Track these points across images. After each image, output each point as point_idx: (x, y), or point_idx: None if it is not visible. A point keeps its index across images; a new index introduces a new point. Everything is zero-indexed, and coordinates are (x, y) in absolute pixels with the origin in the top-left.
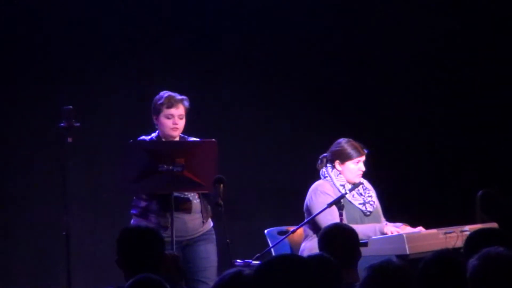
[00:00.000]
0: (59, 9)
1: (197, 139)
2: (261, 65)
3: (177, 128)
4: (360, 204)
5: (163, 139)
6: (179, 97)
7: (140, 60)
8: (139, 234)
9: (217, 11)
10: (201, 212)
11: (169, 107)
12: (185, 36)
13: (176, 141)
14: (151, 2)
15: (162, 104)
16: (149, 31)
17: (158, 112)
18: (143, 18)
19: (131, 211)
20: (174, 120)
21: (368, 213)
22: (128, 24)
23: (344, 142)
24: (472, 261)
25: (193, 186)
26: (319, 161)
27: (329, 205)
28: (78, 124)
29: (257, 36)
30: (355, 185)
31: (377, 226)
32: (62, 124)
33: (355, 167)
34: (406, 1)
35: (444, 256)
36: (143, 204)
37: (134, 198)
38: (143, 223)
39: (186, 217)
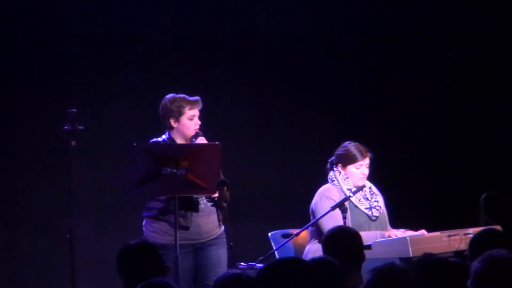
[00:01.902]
0: (63, 11)
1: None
2: (264, 68)
3: (198, 128)
4: (366, 208)
5: (181, 141)
6: (196, 97)
7: (144, 63)
8: (137, 253)
9: (219, 13)
10: (217, 214)
11: (192, 108)
12: (189, 38)
13: (180, 144)
14: (155, 6)
15: (183, 106)
16: (153, 34)
17: (179, 114)
18: (146, 22)
19: (144, 214)
20: (195, 120)
21: (374, 218)
22: (131, 28)
23: (348, 145)
24: (475, 264)
25: (196, 189)
26: (328, 164)
27: (333, 208)
28: (82, 127)
29: (261, 38)
30: (358, 188)
31: (378, 233)
32: (66, 127)
33: (357, 171)
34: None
35: (429, 260)
36: (160, 205)
37: (147, 200)
38: (156, 225)
39: (201, 220)
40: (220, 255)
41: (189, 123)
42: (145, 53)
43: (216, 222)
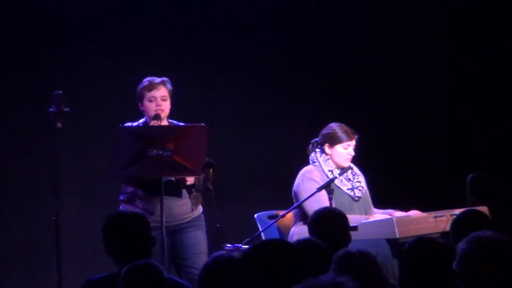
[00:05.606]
0: None
1: (184, 124)
2: (252, 50)
3: (161, 110)
4: (348, 189)
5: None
6: (159, 79)
7: (131, 45)
8: (122, 221)
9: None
10: (190, 198)
11: (150, 90)
12: (177, 21)
13: (166, 126)
14: None
15: (143, 88)
16: (141, 16)
17: (141, 97)
18: (134, 4)
19: (120, 198)
20: (157, 102)
21: (356, 198)
22: (119, 9)
23: (335, 126)
24: (461, 245)
25: (182, 171)
26: (310, 145)
27: (319, 189)
28: (67, 109)
29: (247, 21)
30: (344, 169)
31: (362, 217)
32: (51, 109)
33: (344, 151)
34: None
35: (423, 240)
36: (130, 190)
37: (123, 184)
38: (129, 209)
39: (172, 203)
40: (198, 236)
41: (149, 105)
42: (135, 34)
43: (189, 206)
